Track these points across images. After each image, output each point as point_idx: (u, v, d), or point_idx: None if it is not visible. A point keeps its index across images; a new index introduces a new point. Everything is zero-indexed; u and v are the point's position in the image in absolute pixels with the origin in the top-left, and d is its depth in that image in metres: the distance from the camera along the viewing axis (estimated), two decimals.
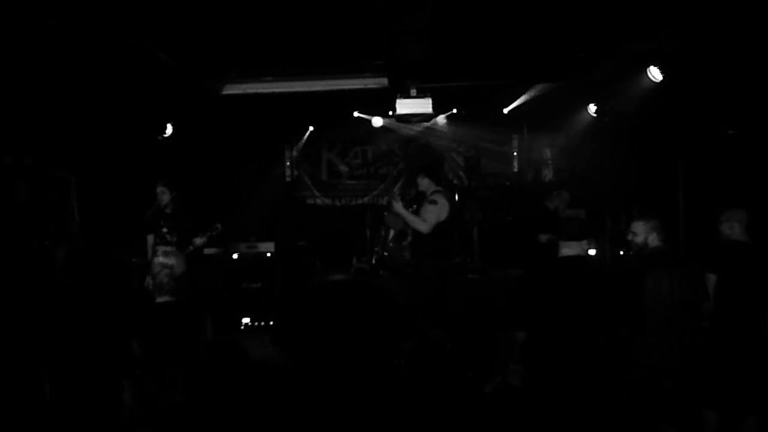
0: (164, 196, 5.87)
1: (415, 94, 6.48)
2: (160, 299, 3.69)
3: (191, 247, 5.86)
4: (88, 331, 3.74)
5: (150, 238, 5.84)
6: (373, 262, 8.24)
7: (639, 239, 4.14)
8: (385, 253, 8.04)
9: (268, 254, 7.84)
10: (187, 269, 3.93)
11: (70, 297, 3.78)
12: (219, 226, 5.99)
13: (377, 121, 8.90)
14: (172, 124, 7.34)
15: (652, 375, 3.94)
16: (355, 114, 8.74)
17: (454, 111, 8.71)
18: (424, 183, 6.02)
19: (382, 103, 7.99)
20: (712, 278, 4.00)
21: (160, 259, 3.78)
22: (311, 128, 9.37)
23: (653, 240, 4.11)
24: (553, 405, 3.29)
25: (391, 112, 7.80)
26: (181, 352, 3.57)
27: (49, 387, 3.83)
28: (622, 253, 6.63)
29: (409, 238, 6.49)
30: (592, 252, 6.80)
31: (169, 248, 5.71)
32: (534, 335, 3.43)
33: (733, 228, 4.07)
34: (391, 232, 8.14)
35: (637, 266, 4.01)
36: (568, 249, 3.43)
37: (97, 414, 3.98)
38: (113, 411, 3.57)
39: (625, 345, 3.83)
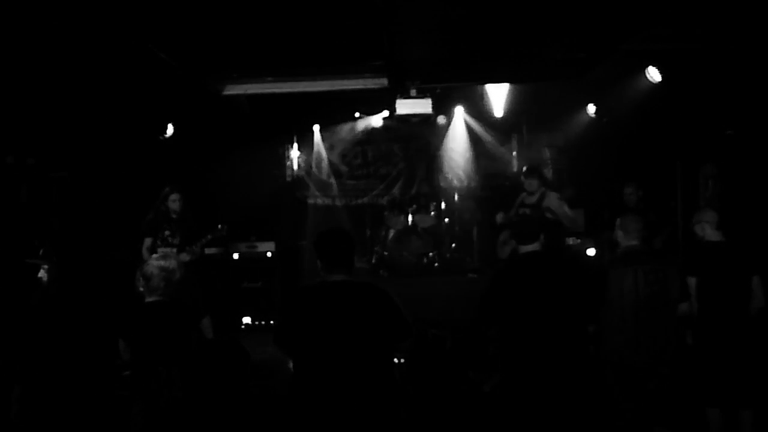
0: (177, 203, 5.86)
1: (414, 95, 6.50)
2: (149, 299, 3.72)
3: (195, 248, 5.86)
4: (72, 336, 3.73)
5: (147, 241, 5.80)
6: (373, 261, 8.26)
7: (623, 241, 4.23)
8: (385, 253, 8.06)
9: (269, 254, 7.85)
10: (184, 272, 3.95)
11: (55, 304, 3.76)
12: (225, 226, 5.99)
13: (377, 121, 8.92)
14: (173, 124, 7.35)
15: (624, 373, 4.00)
16: (356, 114, 8.75)
17: (455, 110, 8.71)
18: (535, 184, 6.33)
19: (382, 103, 8.00)
20: (692, 281, 4.05)
21: (161, 262, 3.80)
22: (316, 127, 9.38)
23: (632, 239, 4.19)
24: (527, 400, 3.38)
25: (390, 112, 7.83)
26: (173, 349, 3.59)
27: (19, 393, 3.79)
28: None
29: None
30: (591, 252, 6.81)
31: (168, 250, 5.70)
32: (503, 329, 3.54)
33: (704, 229, 4.14)
34: (392, 232, 8.17)
35: (601, 263, 4.08)
36: (528, 246, 3.57)
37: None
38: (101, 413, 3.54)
39: (597, 343, 3.91)
